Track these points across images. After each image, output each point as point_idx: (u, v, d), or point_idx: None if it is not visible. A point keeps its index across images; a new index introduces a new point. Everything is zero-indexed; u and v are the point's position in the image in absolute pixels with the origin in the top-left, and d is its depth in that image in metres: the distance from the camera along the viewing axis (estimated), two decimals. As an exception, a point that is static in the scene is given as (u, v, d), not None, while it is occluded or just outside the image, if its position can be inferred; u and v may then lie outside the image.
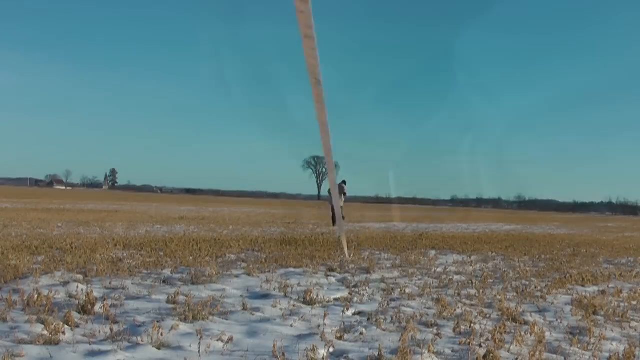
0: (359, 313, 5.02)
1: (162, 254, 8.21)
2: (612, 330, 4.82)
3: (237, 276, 6.63)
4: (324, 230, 15.62)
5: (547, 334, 4.49)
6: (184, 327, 4.17)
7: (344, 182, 18.64)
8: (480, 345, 4.07)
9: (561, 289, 6.76)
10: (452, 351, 3.95)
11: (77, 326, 4.10)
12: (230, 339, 3.86)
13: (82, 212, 22.13)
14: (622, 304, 5.93)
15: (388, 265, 8.25)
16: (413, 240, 12.83)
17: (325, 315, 4.66)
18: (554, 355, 3.97)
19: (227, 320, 4.54)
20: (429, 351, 3.84)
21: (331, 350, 3.82)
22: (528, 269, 8.48)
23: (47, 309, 4.36)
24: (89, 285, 5.40)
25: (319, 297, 5.50)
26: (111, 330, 3.92)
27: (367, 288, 6.23)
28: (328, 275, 7.05)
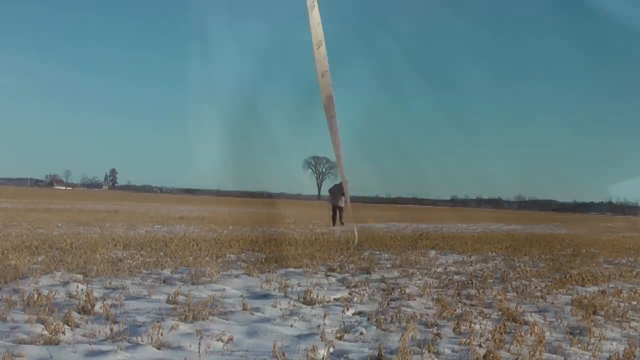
0: (359, 313, 5.02)
1: (162, 254, 8.21)
2: (612, 330, 4.82)
3: (237, 276, 6.64)
4: (324, 230, 15.62)
5: (547, 334, 4.48)
6: (184, 327, 4.17)
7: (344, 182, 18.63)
8: (480, 345, 4.07)
9: (561, 289, 6.76)
10: (452, 351, 3.96)
11: (77, 326, 4.11)
12: (230, 339, 3.86)
13: (82, 212, 22.12)
14: (622, 304, 5.93)
15: (388, 265, 8.26)
16: (413, 240, 12.82)
17: (325, 315, 4.67)
18: (554, 355, 3.97)
19: (227, 320, 4.55)
20: (429, 351, 3.85)
21: (331, 350, 3.83)
22: (528, 269, 8.48)
23: (47, 309, 4.35)
24: (89, 285, 5.41)
25: (319, 297, 5.50)
26: (111, 330, 3.92)
27: (367, 288, 6.23)
28: (328, 275, 7.05)
